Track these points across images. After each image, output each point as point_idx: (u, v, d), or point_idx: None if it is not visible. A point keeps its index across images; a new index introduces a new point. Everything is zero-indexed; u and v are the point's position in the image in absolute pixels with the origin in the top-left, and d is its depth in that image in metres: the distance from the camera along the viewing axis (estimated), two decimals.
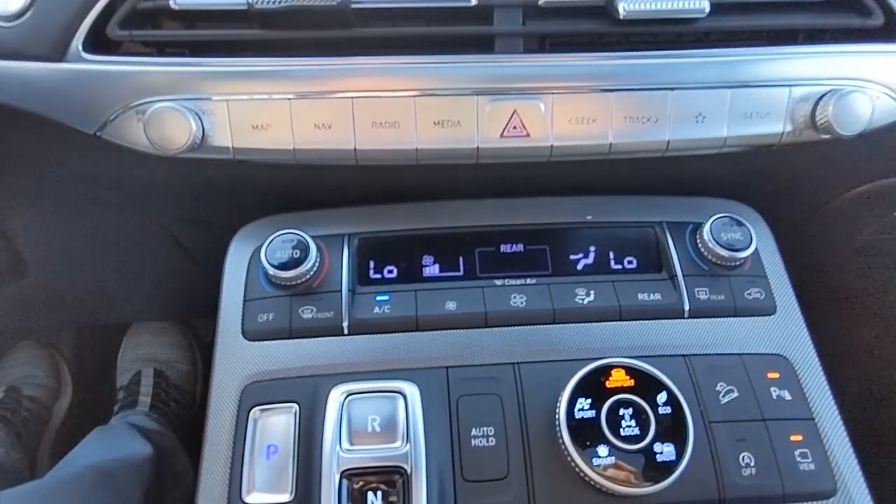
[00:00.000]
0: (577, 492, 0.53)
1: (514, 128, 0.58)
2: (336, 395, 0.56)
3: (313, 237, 0.63)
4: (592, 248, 0.67)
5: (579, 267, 0.66)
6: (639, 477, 0.51)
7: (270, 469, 0.55)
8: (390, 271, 0.65)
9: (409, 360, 0.60)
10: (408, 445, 0.53)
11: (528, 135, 0.58)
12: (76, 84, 0.56)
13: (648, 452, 0.52)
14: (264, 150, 0.58)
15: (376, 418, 0.55)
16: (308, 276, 0.62)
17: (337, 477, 0.52)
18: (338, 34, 0.57)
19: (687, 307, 0.63)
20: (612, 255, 0.66)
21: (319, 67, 0.57)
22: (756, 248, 0.64)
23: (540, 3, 0.56)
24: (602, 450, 0.52)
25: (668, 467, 0.51)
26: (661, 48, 0.59)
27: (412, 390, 0.56)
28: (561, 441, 0.53)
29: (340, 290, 0.63)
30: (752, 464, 0.55)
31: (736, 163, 0.66)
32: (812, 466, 0.56)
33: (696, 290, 0.64)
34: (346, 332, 0.62)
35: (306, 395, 0.58)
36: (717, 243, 0.63)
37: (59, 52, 0.55)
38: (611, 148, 0.59)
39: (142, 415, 1.14)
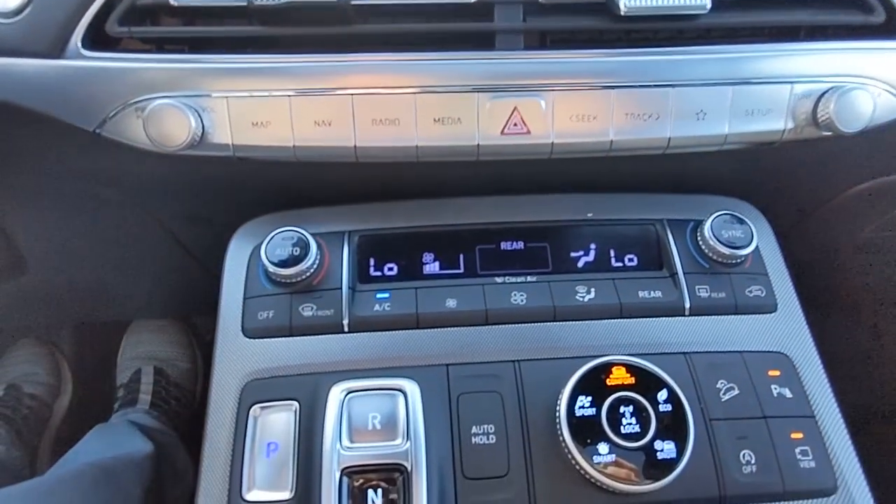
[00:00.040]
0: (578, 489, 0.53)
1: (515, 125, 0.58)
2: (336, 393, 0.56)
3: (313, 235, 0.63)
4: (593, 246, 0.67)
5: (580, 264, 0.66)
6: (639, 474, 0.51)
7: (271, 466, 0.55)
8: (390, 269, 0.65)
9: (409, 358, 0.60)
10: (408, 443, 0.53)
11: (528, 132, 0.58)
12: (75, 81, 0.55)
13: (649, 450, 0.52)
14: (264, 148, 0.58)
15: (377, 416, 0.54)
16: (308, 274, 0.62)
17: (337, 474, 0.52)
18: (338, 31, 0.57)
19: (688, 305, 0.63)
20: (612, 253, 0.66)
21: (319, 64, 0.56)
22: (757, 246, 0.64)
23: None
24: (602, 447, 0.52)
25: (669, 465, 0.51)
26: (663, 45, 0.59)
27: (412, 388, 0.56)
28: (561, 439, 0.53)
29: (341, 288, 0.63)
30: (753, 461, 0.55)
31: (737, 160, 0.66)
32: (812, 464, 0.56)
33: (697, 287, 0.64)
34: (346, 329, 0.62)
35: (306, 393, 0.58)
36: (718, 241, 0.63)
37: (58, 49, 0.55)
38: (612, 145, 0.59)
39: (142, 412, 1.14)
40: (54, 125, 0.57)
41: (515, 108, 0.57)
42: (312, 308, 0.62)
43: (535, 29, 0.59)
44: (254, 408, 0.58)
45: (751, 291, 0.64)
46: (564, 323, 0.62)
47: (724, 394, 0.58)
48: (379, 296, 0.63)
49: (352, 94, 0.56)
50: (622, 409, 0.53)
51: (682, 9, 0.56)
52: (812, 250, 0.88)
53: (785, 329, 0.63)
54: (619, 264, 0.66)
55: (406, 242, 0.66)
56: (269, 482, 0.54)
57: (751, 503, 0.55)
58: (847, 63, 0.59)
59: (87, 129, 0.57)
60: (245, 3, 0.54)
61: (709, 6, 0.56)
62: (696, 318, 0.63)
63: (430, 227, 0.67)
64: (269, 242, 0.62)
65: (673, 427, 0.53)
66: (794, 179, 0.73)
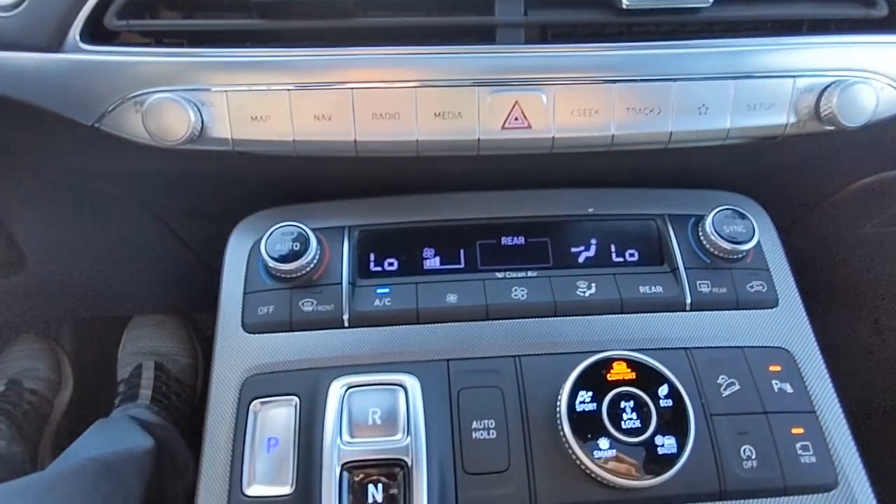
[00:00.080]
0: (578, 484, 0.53)
1: (516, 119, 0.57)
2: (336, 388, 0.56)
3: (313, 229, 0.63)
4: (594, 241, 0.66)
5: (580, 259, 0.66)
6: (640, 469, 0.51)
7: (271, 462, 0.55)
8: (391, 264, 0.65)
9: (409, 353, 0.60)
10: (408, 438, 0.53)
11: (529, 126, 0.58)
12: (74, 75, 0.55)
13: (649, 445, 0.52)
14: (264, 142, 0.58)
15: (377, 411, 0.54)
16: (308, 269, 0.62)
17: (338, 469, 0.52)
18: (338, 24, 0.57)
19: (689, 300, 0.63)
20: (613, 248, 0.66)
21: (319, 58, 0.56)
22: (758, 241, 0.64)
23: None
24: (603, 442, 0.52)
25: (669, 460, 0.51)
26: (664, 39, 0.59)
27: (413, 383, 0.56)
28: (562, 434, 0.53)
29: (341, 283, 0.63)
30: (753, 456, 0.55)
31: (739, 155, 0.65)
32: (813, 459, 0.56)
33: (698, 282, 0.64)
34: (346, 324, 0.61)
35: (307, 388, 0.57)
36: (720, 236, 0.63)
37: (56, 43, 0.55)
38: (613, 140, 0.58)
39: (143, 408, 1.14)
40: (53, 120, 0.56)
41: (516, 103, 0.57)
42: (312, 303, 0.62)
43: (537, 22, 0.58)
44: (254, 403, 0.58)
45: (752, 286, 0.64)
46: (565, 318, 0.62)
47: (724, 389, 0.58)
48: (379, 291, 0.63)
49: (352, 88, 0.56)
50: (623, 404, 0.53)
51: (683, 2, 0.56)
52: (814, 245, 0.88)
53: (786, 324, 0.63)
54: (620, 259, 0.66)
55: (406, 237, 0.66)
56: (270, 477, 0.54)
57: (751, 498, 0.55)
58: (850, 57, 0.59)
59: (86, 123, 0.56)
60: None
61: (711, 0, 0.55)
62: (697, 313, 0.63)
63: (430, 222, 0.67)
64: (268, 237, 0.62)
65: (673, 422, 0.53)
66: (796, 174, 0.73)
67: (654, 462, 0.51)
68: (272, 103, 0.56)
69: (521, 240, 0.66)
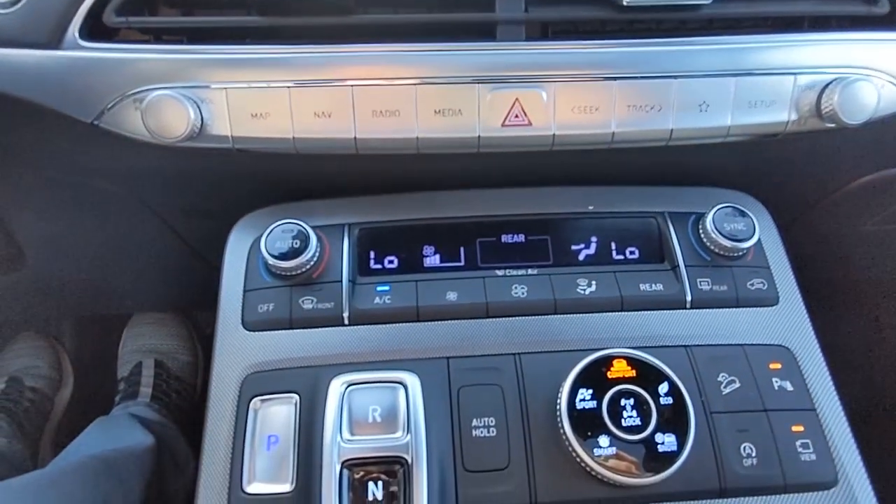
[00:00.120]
0: (578, 482, 0.53)
1: (516, 116, 0.57)
2: (336, 386, 0.56)
3: (313, 227, 0.63)
4: (594, 239, 0.66)
5: (581, 257, 0.66)
6: (640, 467, 0.51)
7: (271, 459, 0.55)
8: (391, 261, 0.65)
9: (409, 351, 0.60)
10: (408, 436, 0.53)
11: (529, 123, 0.57)
12: (73, 72, 0.55)
13: (650, 443, 0.52)
14: (264, 139, 0.57)
15: (377, 409, 0.54)
16: (308, 267, 0.62)
17: (338, 467, 0.52)
18: (337, 21, 0.57)
19: (689, 298, 0.63)
20: (613, 246, 0.66)
21: (319, 55, 0.56)
22: (759, 239, 0.64)
23: None
24: (603, 440, 0.52)
25: (670, 458, 0.51)
26: (665, 36, 0.59)
27: (413, 381, 0.56)
28: (562, 431, 0.53)
29: (341, 281, 0.63)
30: (754, 454, 0.55)
31: (740, 152, 0.65)
32: (813, 457, 0.56)
33: (699, 280, 0.64)
34: (346, 322, 0.61)
35: (307, 386, 0.57)
36: (720, 233, 0.63)
37: (55, 40, 0.55)
38: (613, 137, 0.58)
39: (143, 405, 1.14)
40: (52, 117, 0.56)
41: (516, 100, 0.57)
42: (312, 301, 0.62)
43: (537, 19, 0.58)
44: (254, 400, 0.58)
45: (752, 284, 0.64)
46: (565, 316, 0.62)
47: (724, 387, 0.58)
48: (379, 288, 0.63)
49: (352, 86, 0.56)
50: (623, 401, 0.53)
51: None
52: (814, 243, 0.88)
53: (786, 322, 0.63)
54: (621, 257, 0.66)
55: (406, 235, 0.66)
56: (270, 475, 0.54)
57: (751, 496, 0.55)
58: (851, 54, 0.59)
59: (85, 120, 0.56)
60: None
61: None
62: (698, 311, 0.63)
63: (430, 220, 0.66)
64: (268, 235, 0.62)
65: (674, 420, 0.53)
66: (796, 172, 0.73)
67: (655, 460, 0.51)
68: (272, 100, 0.56)
69: (522, 237, 0.66)
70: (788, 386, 0.59)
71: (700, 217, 0.66)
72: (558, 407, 0.53)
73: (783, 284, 0.65)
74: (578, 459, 0.52)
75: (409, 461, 0.52)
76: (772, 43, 0.58)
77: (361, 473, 0.52)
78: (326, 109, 0.56)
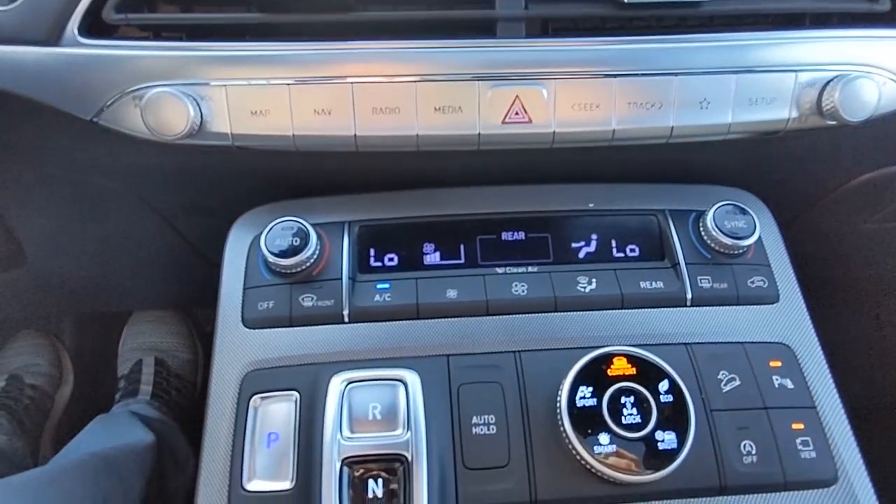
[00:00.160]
0: (578, 479, 0.53)
1: (516, 114, 0.57)
2: (336, 383, 0.56)
3: (313, 225, 0.62)
4: (594, 236, 0.66)
5: (581, 255, 0.66)
6: (640, 465, 0.51)
7: (271, 457, 0.55)
8: (391, 259, 0.65)
9: (409, 349, 0.60)
10: (409, 433, 0.53)
11: (529, 121, 0.57)
12: (72, 69, 0.55)
13: (650, 440, 0.52)
14: (263, 137, 0.57)
15: (377, 406, 0.54)
16: (308, 264, 0.62)
17: (338, 465, 0.52)
18: (337, 18, 0.56)
19: (689, 295, 0.63)
20: (614, 243, 0.66)
21: (319, 52, 0.56)
22: (759, 237, 0.64)
23: None
24: (603, 438, 0.52)
25: (670, 455, 0.51)
26: (665, 33, 0.58)
27: (413, 378, 0.56)
28: (562, 429, 0.53)
29: (341, 278, 0.63)
30: (754, 452, 0.55)
31: (740, 150, 0.65)
32: (813, 454, 0.56)
33: (699, 278, 0.64)
34: (346, 320, 0.61)
35: (307, 383, 0.57)
36: (721, 231, 0.63)
37: (54, 37, 0.55)
38: (614, 134, 0.58)
39: (143, 403, 1.14)
40: (51, 114, 0.56)
41: (517, 97, 0.57)
42: (313, 298, 0.62)
43: (537, 16, 0.58)
44: (254, 398, 0.58)
45: (753, 282, 0.64)
46: (565, 313, 0.62)
47: (725, 384, 0.58)
48: (379, 286, 0.63)
49: (352, 83, 0.56)
50: (623, 399, 0.53)
51: None
52: (815, 241, 0.88)
53: (787, 320, 0.63)
54: (621, 255, 0.66)
55: (406, 232, 0.66)
56: (270, 472, 0.54)
57: (751, 493, 0.55)
58: (852, 51, 0.58)
59: (85, 117, 0.56)
60: None
61: None
62: (698, 308, 0.63)
63: (430, 218, 0.66)
64: (268, 232, 0.62)
65: (674, 418, 0.53)
66: (797, 169, 0.73)
67: (655, 457, 0.51)
68: (272, 98, 0.56)
69: (522, 235, 0.66)
70: (789, 384, 0.59)
71: (700, 215, 0.66)
72: (558, 404, 0.53)
73: (783, 282, 0.65)
74: (578, 457, 0.52)
75: (409, 459, 0.52)
76: (773, 40, 0.58)
77: (361, 471, 0.52)
78: (326, 106, 0.56)
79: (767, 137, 0.61)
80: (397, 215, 0.66)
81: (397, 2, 0.58)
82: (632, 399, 0.53)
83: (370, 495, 0.51)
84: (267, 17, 0.56)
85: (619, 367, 0.54)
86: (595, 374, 0.54)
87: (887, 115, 0.60)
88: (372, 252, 0.65)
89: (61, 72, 0.55)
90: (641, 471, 0.51)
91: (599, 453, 0.51)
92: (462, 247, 0.65)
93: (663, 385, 0.54)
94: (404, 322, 0.61)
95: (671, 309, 0.63)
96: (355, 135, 0.57)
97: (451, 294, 0.62)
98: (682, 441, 0.52)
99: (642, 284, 0.63)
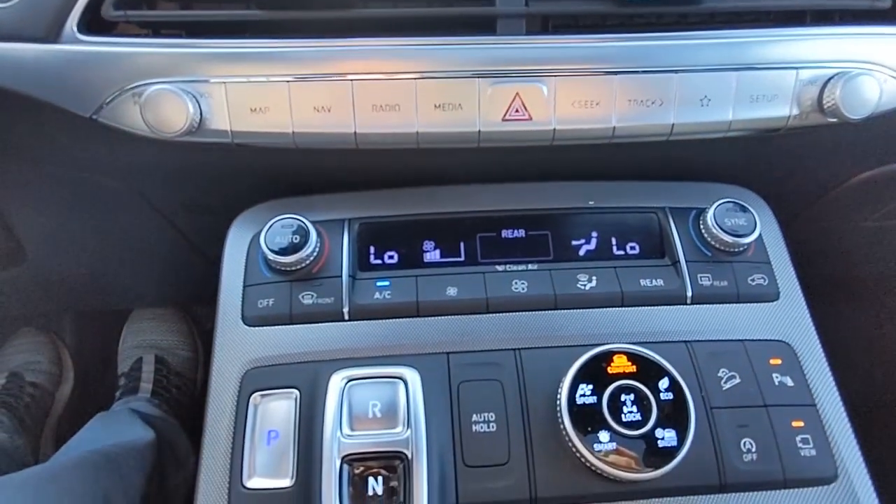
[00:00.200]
0: (578, 477, 0.53)
1: (516, 111, 0.57)
2: (336, 381, 0.56)
3: (313, 222, 0.62)
4: (594, 234, 0.66)
5: (581, 253, 0.66)
6: (640, 462, 0.51)
7: (271, 454, 0.55)
8: (391, 257, 0.65)
9: (409, 346, 0.60)
10: (409, 431, 0.53)
11: (530, 118, 0.57)
12: (71, 66, 0.55)
13: (650, 438, 0.52)
14: (263, 134, 0.57)
15: (377, 404, 0.54)
16: (308, 262, 0.62)
17: (338, 462, 0.52)
18: (337, 15, 0.56)
19: (689, 293, 0.63)
20: (614, 241, 0.66)
21: (319, 49, 0.56)
22: (760, 234, 0.63)
23: None
24: (603, 435, 0.52)
25: (670, 453, 0.51)
26: (666, 30, 0.58)
27: (413, 376, 0.56)
28: (562, 427, 0.53)
29: (341, 276, 0.63)
30: (754, 449, 0.55)
31: (741, 147, 0.65)
32: (813, 452, 0.56)
33: (699, 276, 0.63)
34: (346, 317, 0.61)
35: (307, 381, 0.57)
36: (721, 229, 0.63)
37: (53, 34, 0.54)
38: (614, 132, 0.58)
39: (143, 401, 1.15)
40: (50, 111, 0.56)
41: (517, 94, 0.57)
42: (312, 296, 0.62)
43: (538, 13, 0.58)
44: (254, 396, 0.58)
45: (753, 280, 0.64)
46: (566, 311, 0.62)
47: (725, 382, 0.58)
48: (379, 284, 0.63)
49: (351, 80, 0.56)
50: (623, 397, 0.53)
51: None
52: (815, 239, 0.87)
53: (787, 317, 0.63)
54: (621, 252, 0.66)
55: (406, 230, 0.66)
56: (270, 469, 0.54)
57: (751, 491, 0.55)
58: (853, 49, 0.58)
59: (84, 115, 0.56)
60: None
61: None
62: (698, 306, 0.63)
63: (430, 215, 0.66)
64: (268, 230, 0.61)
65: (674, 415, 0.53)
66: (798, 167, 0.73)
67: (655, 455, 0.51)
68: (271, 95, 0.56)
69: (522, 233, 0.66)
70: (789, 381, 0.59)
71: (701, 212, 0.66)
72: (558, 402, 0.53)
73: (784, 280, 0.65)
74: (578, 455, 0.52)
75: (409, 456, 0.52)
76: (773, 37, 0.58)
77: (361, 468, 0.52)
78: (326, 104, 0.56)
79: (768, 135, 0.61)
80: (397, 213, 0.66)
81: None
82: (632, 397, 0.53)
83: (370, 493, 0.51)
84: (267, 15, 0.56)
85: (620, 364, 0.54)
86: (595, 372, 0.54)
87: (888, 112, 0.59)
88: (372, 250, 0.65)
89: (60, 69, 0.55)
90: (641, 468, 0.51)
91: (599, 451, 0.51)
92: (462, 244, 0.65)
93: (663, 383, 0.54)
94: (404, 320, 0.61)
95: (671, 307, 0.63)
96: (355, 132, 0.57)
97: (451, 292, 0.62)
98: (682, 439, 0.52)
99: (642, 282, 0.63)
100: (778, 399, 0.58)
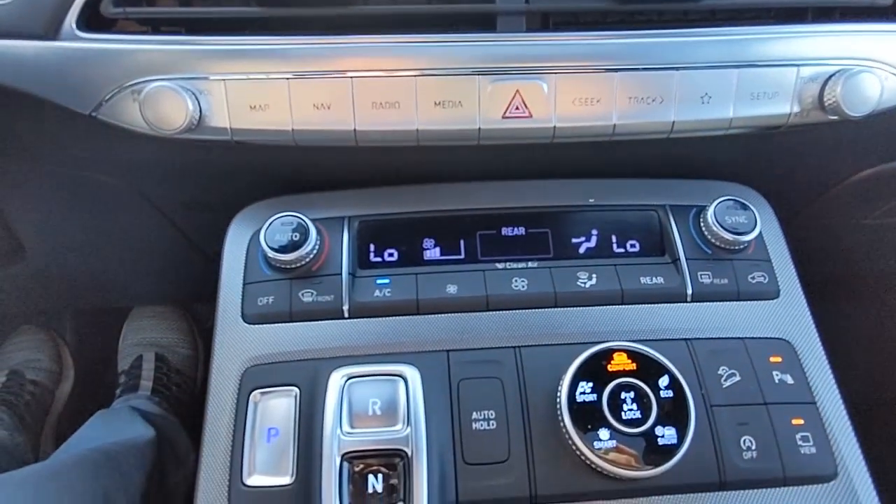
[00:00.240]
0: (578, 475, 0.53)
1: (516, 108, 0.57)
2: (336, 379, 0.56)
3: (313, 220, 0.62)
4: (595, 232, 0.66)
5: (581, 250, 0.65)
6: (640, 460, 0.51)
7: (271, 452, 0.55)
8: (391, 254, 0.65)
9: (409, 344, 0.60)
10: (408, 429, 0.53)
11: (530, 115, 0.57)
12: (70, 63, 0.54)
13: (650, 436, 0.52)
14: (262, 131, 0.57)
15: (377, 402, 0.54)
16: (308, 260, 0.61)
17: (338, 460, 0.52)
18: (337, 12, 0.56)
19: (690, 291, 0.63)
20: (614, 239, 0.66)
21: (318, 46, 0.55)
22: (760, 232, 0.63)
23: None
24: (603, 433, 0.52)
25: (670, 451, 0.51)
26: (667, 27, 0.58)
27: (413, 374, 0.56)
28: (562, 424, 0.53)
29: (340, 274, 0.63)
30: (753, 447, 0.55)
31: (741, 145, 0.65)
32: (813, 450, 0.56)
33: (699, 273, 0.63)
34: (346, 315, 0.61)
35: (307, 379, 0.57)
36: (721, 226, 0.63)
37: (52, 31, 0.54)
38: (614, 129, 0.58)
39: (143, 398, 1.15)
40: (50, 108, 0.56)
41: (517, 92, 0.56)
42: (312, 294, 0.62)
43: (538, 10, 0.57)
44: (254, 393, 0.57)
45: (753, 278, 0.64)
46: (566, 309, 0.62)
47: (725, 380, 0.58)
48: (379, 281, 0.63)
49: (351, 77, 0.55)
50: (623, 395, 0.53)
51: None
52: (816, 236, 0.87)
53: (787, 315, 0.63)
54: (621, 250, 0.66)
55: (406, 228, 0.66)
56: (270, 467, 0.54)
57: (751, 489, 0.55)
58: (854, 46, 0.58)
59: (83, 112, 0.56)
60: None
61: None
62: (698, 304, 0.63)
63: (430, 213, 0.66)
64: (268, 228, 0.61)
65: (674, 413, 0.53)
66: (798, 164, 0.73)
67: (655, 453, 0.51)
68: (271, 92, 0.56)
69: (522, 230, 0.66)
70: (789, 379, 0.59)
71: (701, 210, 0.66)
72: (558, 400, 0.53)
73: (784, 278, 0.65)
74: (578, 452, 0.52)
75: (409, 454, 0.52)
76: (774, 34, 0.58)
77: (361, 466, 0.52)
78: (326, 101, 0.56)
79: (769, 132, 0.61)
80: (397, 210, 0.66)
81: None
82: (632, 394, 0.53)
83: (370, 490, 0.51)
84: (266, 11, 0.56)
85: (620, 362, 0.54)
86: (595, 370, 0.54)
87: (889, 109, 0.59)
88: (372, 247, 0.65)
89: (59, 66, 0.55)
90: (641, 466, 0.51)
91: (599, 448, 0.51)
92: (462, 242, 0.65)
93: (663, 380, 0.54)
94: (404, 317, 0.61)
95: (671, 304, 0.63)
96: (355, 129, 0.57)
97: (451, 289, 0.62)
98: (681, 436, 0.52)
99: (642, 280, 0.63)
100: (778, 397, 0.58)
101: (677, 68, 0.57)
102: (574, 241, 0.66)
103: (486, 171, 0.69)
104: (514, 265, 0.64)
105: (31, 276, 0.99)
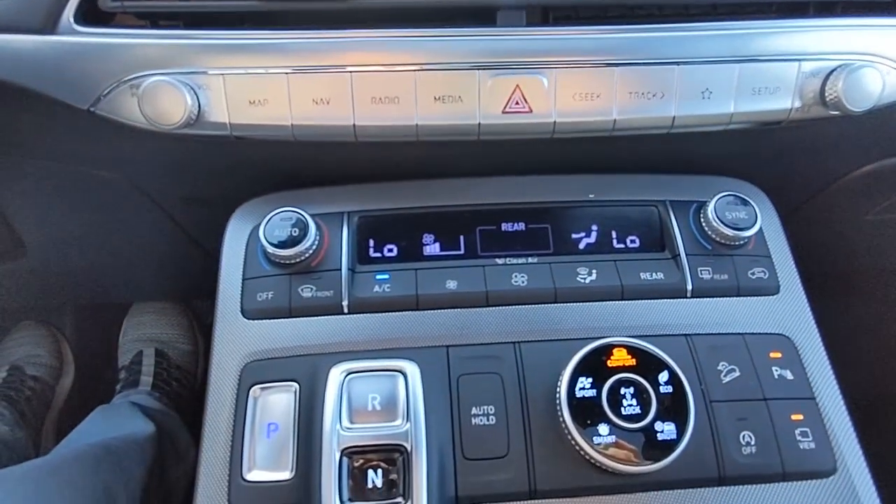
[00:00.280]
0: (578, 470, 0.53)
1: (517, 103, 0.57)
2: (336, 374, 0.56)
3: (312, 215, 0.62)
4: (595, 227, 0.66)
5: (581, 246, 0.65)
6: (639, 455, 0.51)
7: (271, 447, 0.55)
8: (390, 250, 0.65)
9: (409, 339, 0.60)
10: (408, 424, 0.53)
11: (530, 110, 0.57)
12: (68, 57, 0.54)
13: (649, 431, 0.52)
14: (262, 126, 0.57)
15: (376, 397, 0.54)
16: (307, 255, 0.61)
17: (337, 455, 0.52)
18: (337, 6, 0.56)
19: (690, 286, 0.63)
20: (614, 234, 0.66)
21: (317, 41, 0.55)
22: (760, 228, 0.63)
23: None
24: (603, 428, 0.52)
25: (669, 446, 0.51)
26: (668, 22, 0.58)
27: (412, 369, 0.56)
28: (562, 420, 0.53)
29: (340, 269, 0.62)
30: (753, 442, 0.55)
31: (742, 140, 0.65)
32: (812, 445, 0.56)
33: (700, 269, 0.63)
34: (345, 310, 0.61)
35: (306, 374, 0.57)
36: (722, 222, 0.63)
37: (50, 24, 0.54)
38: (615, 124, 0.58)
39: (144, 394, 1.15)
40: (48, 103, 0.56)
41: (517, 86, 0.56)
42: (312, 289, 0.62)
43: (538, 4, 0.57)
44: (254, 388, 0.58)
45: (753, 273, 0.64)
46: (565, 304, 0.62)
47: (724, 375, 0.58)
48: (379, 277, 0.63)
49: (351, 72, 0.55)
50: (623, 390, 0.53)
51: None
52: (816, 232, 0.87)
53: (787, 311, 0.63)
54: (621, 246, 0.66)
55: (406, 223, 0.66)
56: (270, 462, 0.55)
57: (750, 484, 0.55)
58: (856, 41, 0.58)
59: (82, 107, 0.56)
60: None
61: None
62: (698, 299, 0.63)
63: (430, 208, 0.66)
64: (267, 223, 0.61)
65: (673, 408, 0.53)
66: (799, 160, 0.73)
67: (654, 448, 0.51)
68: (270, 87, 0.55)
69: (522, 226, 0.66)
70: (788, 375, 0.59)
71: (701, 205, 0.66)
72: (558, 395, 0.53)
73: (784, 273, 0.65)
74: (578, 448, 0.52)
75: (409, 449, 0.52)
76: (776, 29, 0.58)
77: (361, 461, 0.52)
78: (325, 96, 0.56)
79: (770, 128, 0.60)
80: (397, 206, 0.66)
81: None
82: (631, 390, 0.53)
83: (370, 485, 0.51)
84: (265, 5, 0.56)
85: (619, 358, 0.54)
86: (595, 365, 0.54)
87: (890, 105, 0.59)
88: (371, 243, 0.65)
89: (57, 60, 0.54)
90: (641, 461, 0.51)
91: (599, 444, 0.51)
92: (462, 238, 0.65)
93: (663, 376, 0.54)
94: (404, 313, 0.61)
95: (671, 300, 0.63)
96: (354, 124, 0.57)
97: (451, 285, 0.62)
98: (681, 432, 0.52)
99: (642, 275, 0.63)
100: (777, 392, 0.58)
101: (678, 63, 0.56)
102: (574, 236, 0.66)
103: (485, 166, 0.68)
104: (514, 261, 0.64)
105: (31, 272, 0.99)
